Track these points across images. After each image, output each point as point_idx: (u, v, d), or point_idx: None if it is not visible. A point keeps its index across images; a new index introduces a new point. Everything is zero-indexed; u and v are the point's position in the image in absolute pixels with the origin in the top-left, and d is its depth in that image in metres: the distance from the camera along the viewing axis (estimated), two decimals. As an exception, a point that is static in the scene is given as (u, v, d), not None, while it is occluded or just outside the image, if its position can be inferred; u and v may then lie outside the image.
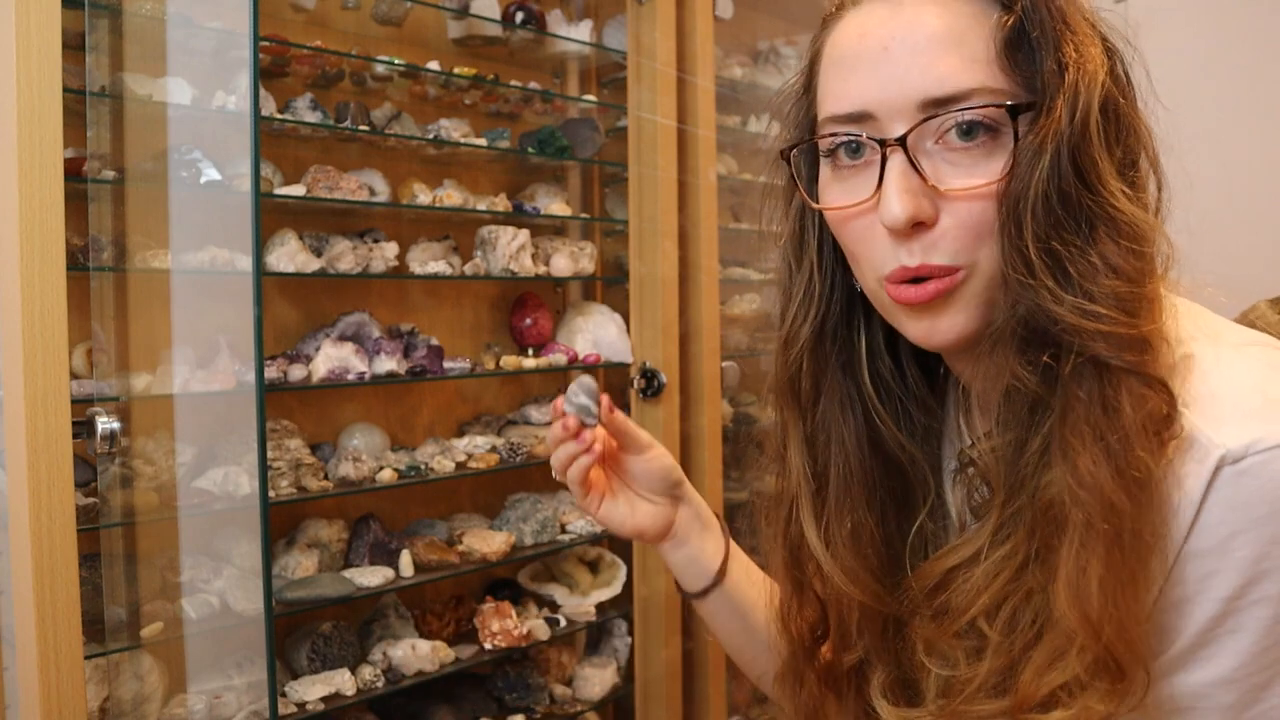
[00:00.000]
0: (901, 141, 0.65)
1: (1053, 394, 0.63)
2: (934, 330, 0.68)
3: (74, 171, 1.32)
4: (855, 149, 0.68)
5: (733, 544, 0.98)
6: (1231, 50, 1.89)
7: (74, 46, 1.33)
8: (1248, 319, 1.42)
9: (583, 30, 1.95)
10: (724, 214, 2.24)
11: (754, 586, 0.96)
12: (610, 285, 2.13)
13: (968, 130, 0.64)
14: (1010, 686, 0.62)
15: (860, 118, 0.67)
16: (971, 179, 0.64)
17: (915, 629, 0.72)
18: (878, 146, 0.66)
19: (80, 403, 1.31)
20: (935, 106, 0.64)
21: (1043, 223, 0.62)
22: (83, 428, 1.29)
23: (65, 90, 1.22)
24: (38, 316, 1.20)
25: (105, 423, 1.31)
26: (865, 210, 0.68)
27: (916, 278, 0.66)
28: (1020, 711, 0.61)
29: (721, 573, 0.94)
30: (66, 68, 1.24)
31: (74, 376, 1.32)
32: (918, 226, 0.65)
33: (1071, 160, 0.62)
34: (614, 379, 2.17)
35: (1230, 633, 0.59)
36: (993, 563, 0.65)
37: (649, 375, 1.95)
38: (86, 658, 1.26)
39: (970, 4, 0.66)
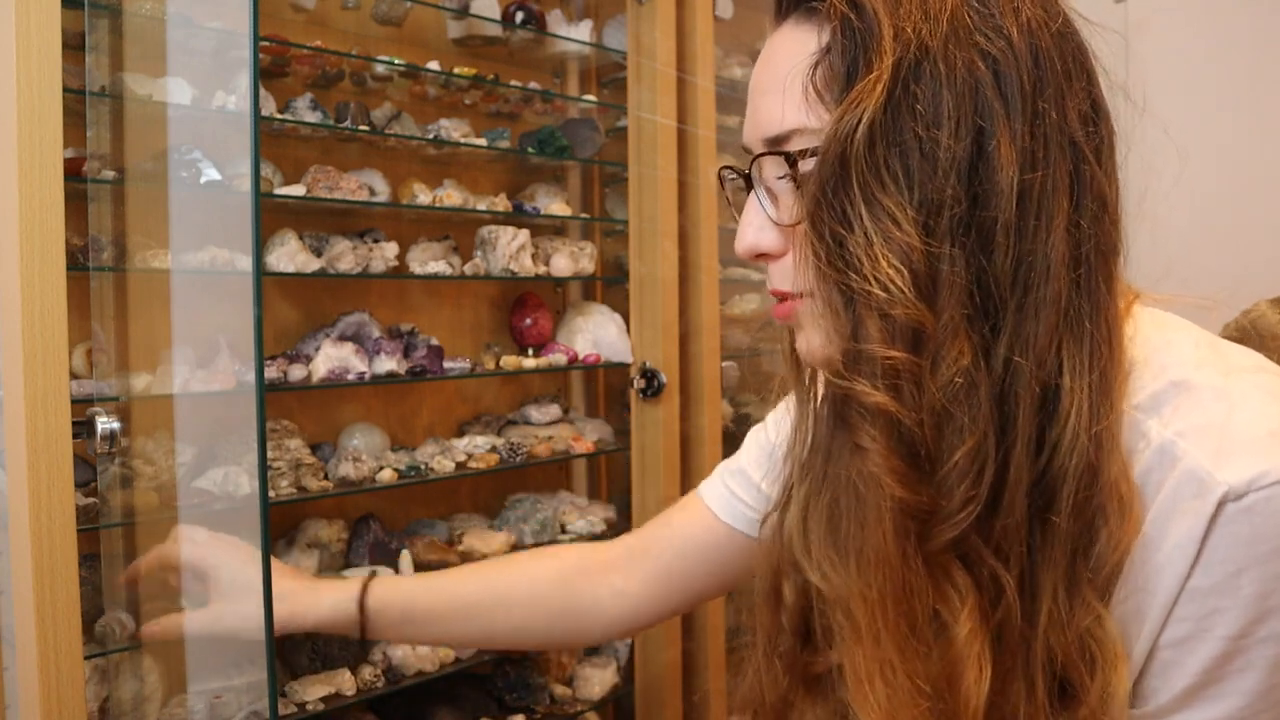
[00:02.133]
0: (747, 178, 0.68)
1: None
2: (802, 347, 0.70)
3: (74, 171, 1.32)
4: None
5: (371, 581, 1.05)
6: (1231, 49, 1.90)
7: (74, 46, 1.33)
8: (1248, 318, 1.42)
9: (583, 30, 1.95)
10: (724, 214, 2.24)
11: (427, 590, 1.01)
12: (610, 285, 2.13)
13: (798, 171, 0.65)
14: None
15: (747, 150, 0.71)
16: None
17: None
18: (743, 181, 0.70)
19: (80, 403, 1.30)
20: (773, 145, 0.66)
21: (824, 260, 0.62)
22: (83, 428, 1.29)
23: (65, 90, 1.22)
24: (38, 316, 1.20)
25: (105, 423, 1.30)
26: None
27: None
28: None
29: (362, 606, 1.02)
30: (66, 68, 1.24)
31: (74, 376, 1.32)
32: (764, 256, 0.69)
33: (826, 201, 0.62)
34: (614, 379, 2.17)
35: (1238, 671, 0.59)
36: None
37: (649, 375, 1.95)
38: (86, 658, 1.26)
39: (804, 39, 0.65)
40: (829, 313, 0.63)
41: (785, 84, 0.64)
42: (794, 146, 0.64)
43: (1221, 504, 0.57)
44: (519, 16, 1.86)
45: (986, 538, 0.61)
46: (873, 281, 0.59)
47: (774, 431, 0.96)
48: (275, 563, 1.02)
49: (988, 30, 0.59)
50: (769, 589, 0.81)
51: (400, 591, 1.07)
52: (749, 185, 0.71)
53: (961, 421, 0.59)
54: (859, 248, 0.59)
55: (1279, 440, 0.58)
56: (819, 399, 0.78)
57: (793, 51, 0.65)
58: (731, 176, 0.73)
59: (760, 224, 0.69)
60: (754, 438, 1.03)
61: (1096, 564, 0.60)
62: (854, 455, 0.62)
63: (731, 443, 2.36)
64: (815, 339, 0.68)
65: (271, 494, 1.46)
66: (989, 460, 0.59)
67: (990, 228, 0.58)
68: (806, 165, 0.64)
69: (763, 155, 0.67)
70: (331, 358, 1.58)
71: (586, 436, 1.97)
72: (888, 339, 0.59)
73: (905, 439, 0.60)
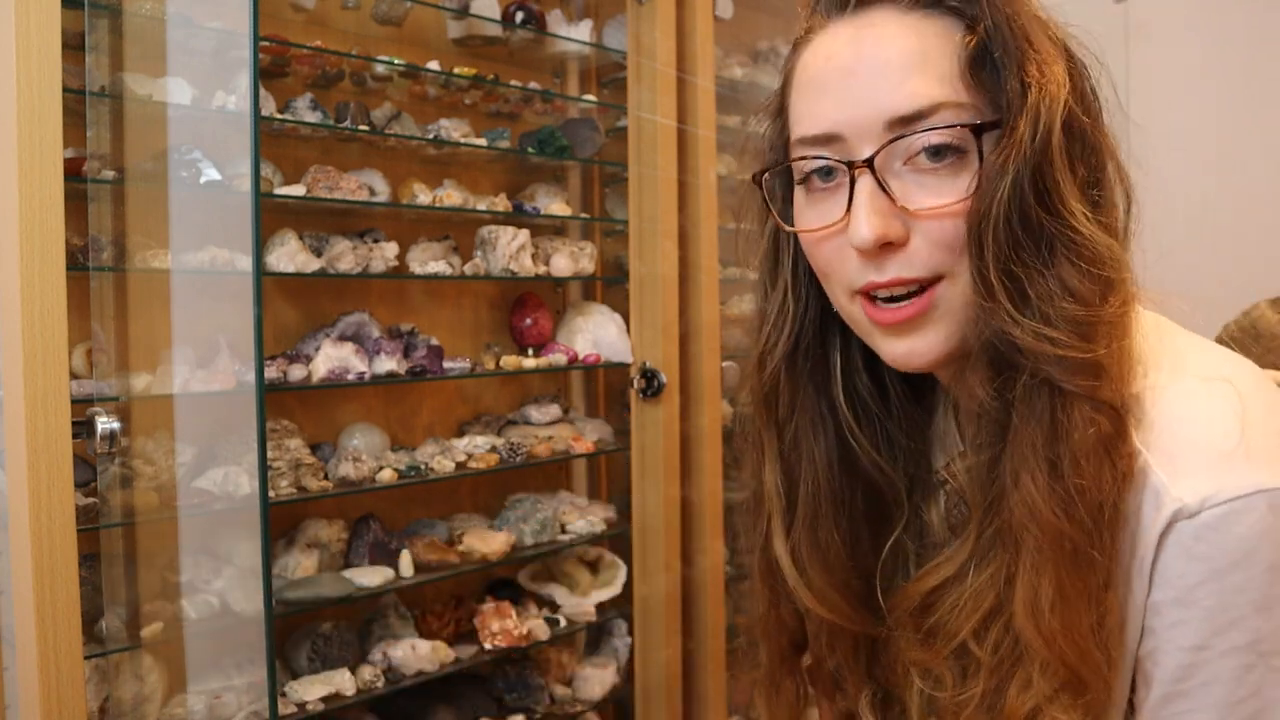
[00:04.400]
0: (869, 163, 0.65)
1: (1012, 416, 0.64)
2: (913, 353, 0.68)
3: (74, 171, 1.32)
4: (827, 172, 0.69)
5: None
6: (1231, 50, 1.90)
7: (74, 46, 1.33)
8: (1249, 318, 1.42)
9: (583, 30, 1.95)
10: (724, 214, 2.24)
11: None
12: (610, 285, 2.13)
13: (936, 151, 0.65)
14: (999, 705, 0.63)
15: (829, 139, 0.68)
16: (939, 198, 0.65)
17: (900, 649, 0.72)
18: (846, 169, 0.67)
19: (80, 403, 1.30)
20: (902, 125, 0.65)
21: (1004, 244, 0.62)
22: (83, 428, 1.29)
23: (65, 90, 1.22)
24: (38, 316, 1.20)
25: (105, 423, 1.31)
26: (837, 231, 0.68)
27: (892, 297, 0.67)
28: None
29: None
30: (66, 68, 1.24)
31: (74, 376, 1.32)
32: (887, 246, 0.66)
33: (1032, 182, 0.62)
34: (614, 379, 2.17)
35: (1204, 685, 0.59)
36: (978, 584, 0.65)
37: (649, 375, 1.95)
38: (86, 658, 1.26)
39: (934, 24, 0.66)
40: (987, 289, 0.63)
41: (916, 63, 0.65)
42: (939, 120, 0.64)
43: (1173, 520, 0.58)
44: (519, 16, 1.86)
45: None
46: (1092, 243, 0.63)
47: None
48: None
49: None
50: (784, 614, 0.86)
51: None
52: (852, 175, 0.67)
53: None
54: (1068, 219, 0.63)
55: (1234, 459, 0.58)
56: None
57: (923, 33, 0.66)
58: (826, 168, 0.68)
59: (886, 210, 0.65)
60: None
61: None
62: (1063, 410, 0.62)
63: (731, 443, 2.36)
64: (936, 339, 0.67)
65: (271, 494, 1.46)
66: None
67: (1111, 194, 0.67)
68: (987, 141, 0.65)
69: (926, 130, 0.64)
70: (331, 358, 1.58)
71: (586, 436, 1.97)
72: (1098, 298, 0.62)
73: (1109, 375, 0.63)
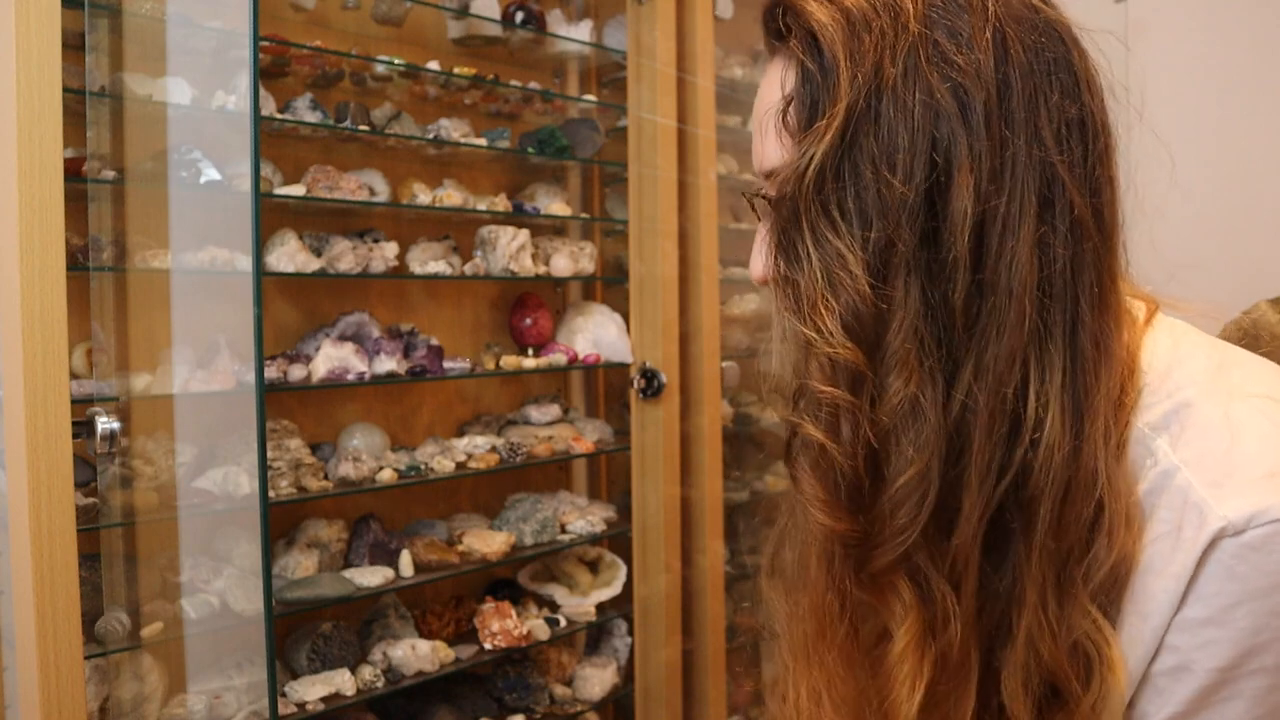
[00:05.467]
0: (754, 207, 0.67)
1: None
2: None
3: (74, 171, 1.32)
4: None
5: None
6: (1231, 49, 1.89)
7: (74, 46, 1.33)
8: (1249, 318, 1.42)
9: (583, 30, 1.95)
10: (724, 214, 2.24)
11: None
12: (610, 285, 2.13)
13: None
14: None
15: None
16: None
17: None
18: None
19: (80, 403, 1.31)
20: (765, 179, 0.66)
21: (779, 298, 0.64)
22: (83, 428, 1.29)
23: (65, 90, 1.22)
24: (38, 316, 1.20)
25: (105, 423, 1.31)
26: None
27: None
28: None
29: None
30: (66, 68, 1.24)
31: (74, 376, 1.32)
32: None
33: (782, 242, 0.63)
34: (614, 379, 2.17)
35: (1224, 700, 0.59)
36: None
37: (649, 375, 1.95)
38: (86, 658, 1.26)
39: (783, 78, 0.65)
40: (787, 348, 0.64)
41: (764, 122, 0.65)
42: (774, 184, 0.65)
43: (1217, 538, 0.56)
44: (519, 16, 1.86)
45: (938, 560, 0.61)
46: (807, 322, 0.60)
47: None
48: None
49: (952, 58, 0.59)
50: None
51: None
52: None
53: (906, 451, 0.59)
54: (804, 289, 0.61)
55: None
56: None
57: (772, 90, 0.65)
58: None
59: (763, 252, 0.68)
60: None
61: (1090, 571, 0.60)
62: (793, 484, 0.64)
63: (731, 443, 2.36)
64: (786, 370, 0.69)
65: (271, 494, 1.46)
66: (931, 487, 0.59)
67: (944, 260, 0.59)
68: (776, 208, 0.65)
69: (753, 194, 0.68)
70: (331, 358, 1.58)
71: (586, 436, 1.97)
72: (827, 378, 0.60)
73: (839, 472, 0.61)
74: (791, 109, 0.62)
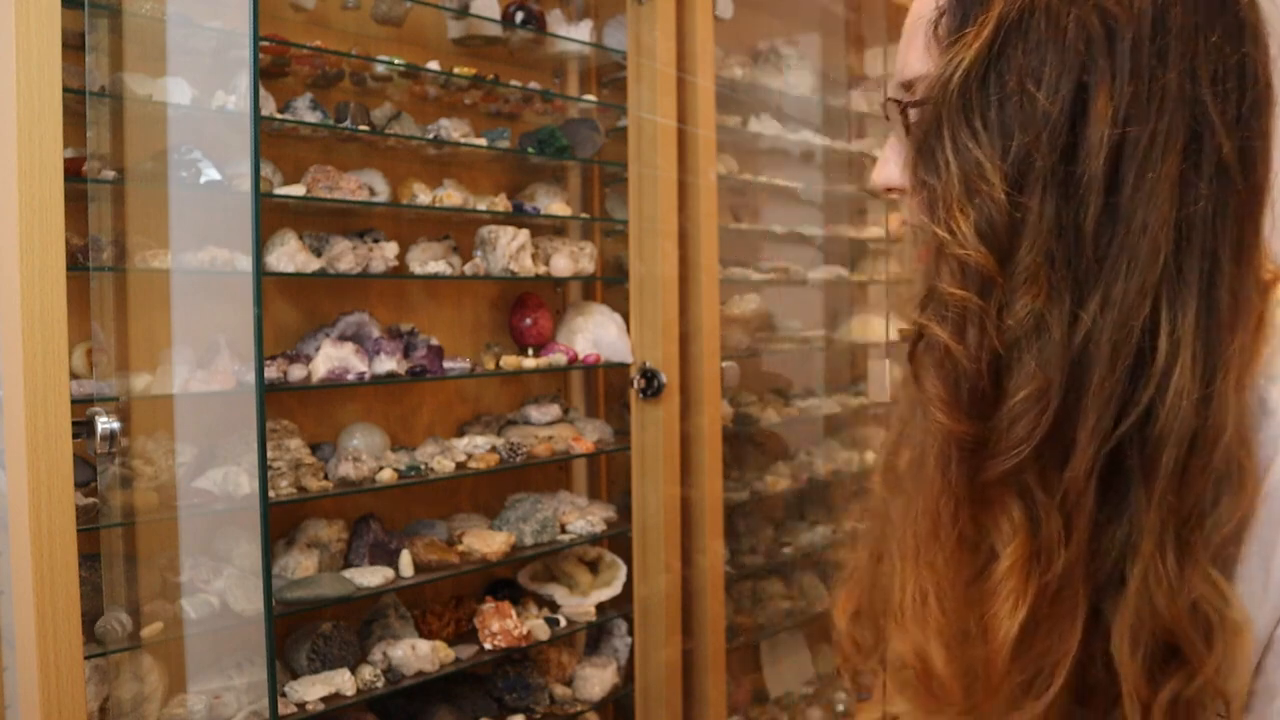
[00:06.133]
0: (887, 114, 0.69)
1: None
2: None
3: (74, 171, 1.32)
4: None
5: None
6: None
7: (74, 46, 1.33)
8: None
9: (583, 30, 1.95)
10: (724, 214, 2.24)
11: None
12: (610, 285, 2.13)
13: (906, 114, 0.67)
14: None
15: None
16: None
17: None
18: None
19: (80, 403, 1.31)
20: (902, 90, 0.68)
21: (916, 203, 0.65)
22: (83, 428, 1.29)
23: (65, 90, 1.22)
24: (38, 316, 1.20)
25: (105, 423, 1.31)
26: None
27: None
28: None
29: None
30: (66, 68, 1.24)
31: (74, 376, 1.32)
32: (896, 189, 0.69)
33: (923, 148, 0.63)
34: (614, 379, 2.17)
35: None
36: None
37: (649, 375, 1.95)
38: (86, 658, 1.26)
39: None
40: (920, 252, 0.65)
41: (912, 32, 0.67)
42: (916, 93, 0.66)
43: None
44: (519, 16, 1.86)
45: (1050, 487, 0.61)
46: (941, 224, 0.61)
47: None
48: None
49: None
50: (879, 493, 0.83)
51: None
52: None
53: (1029, 366, 0.60)
54: (940, 193, 0.62)
55: None
56: None
57: (925, 1, 0.67)
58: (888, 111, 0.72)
59: (893, 160, 0.70)
60: None
61: (1211, 528, 0.59)
62: (915, 384, 0.64)
63: (731, 443, 2.36)
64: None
65: (271, 494, 1.46)
66: (1050, 406, 0.59)
67: (1080, 181, 0.59)
68: (914, 113, 0.66)
69: (890, 100, 0.69)
70: (331, 358, 1.58)
71: (586, 436, 1.97)
72: (957, 280, 0.61)
73: (962, 374, 0.61)
74: (946, 19, 0.63)
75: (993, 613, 0.60)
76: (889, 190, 0.69)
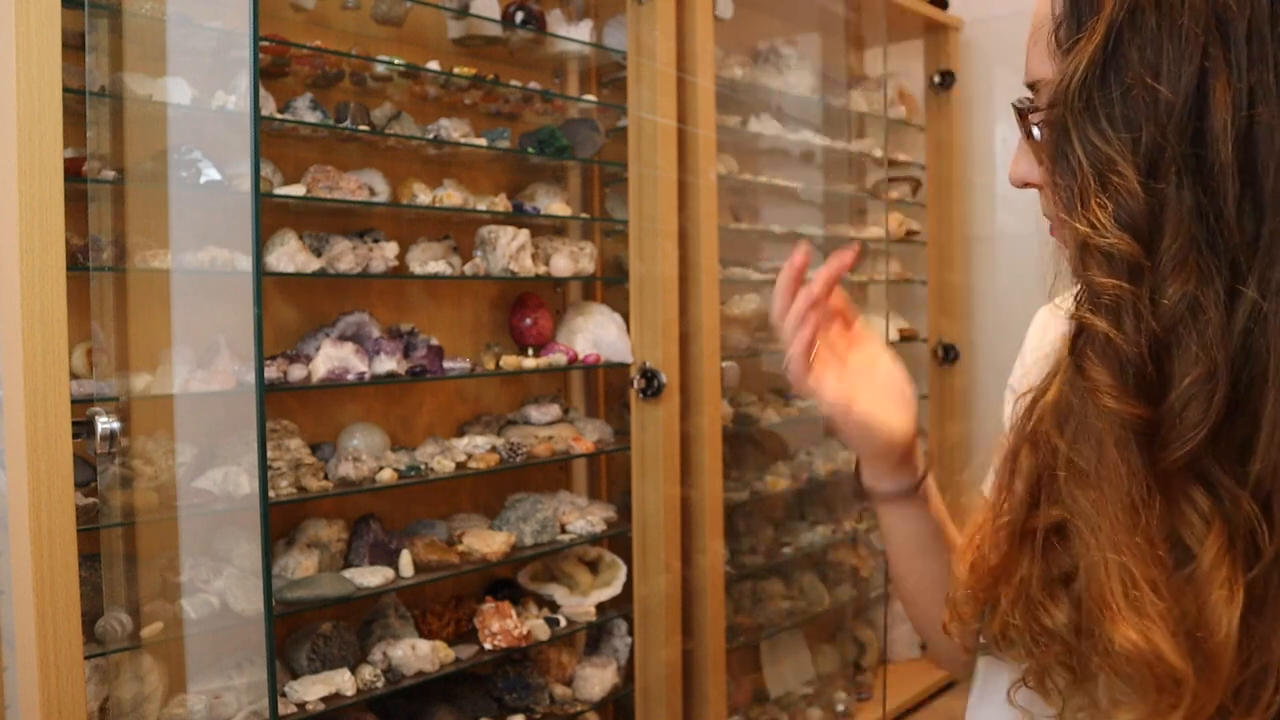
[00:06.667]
0: (1018, 113, 0.70)
1: None
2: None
3: (74, 171, 1.32)
4: None
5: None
6: None
7: (74, 46, 1.33)
8: None
9: (583, 30, 1.95)
10: (724, 214, 2.24)
11: (940, 509, 0.92)
12: (610, 285, 2.13)
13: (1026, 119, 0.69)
14: None
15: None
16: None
17: None
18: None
19: (80, 403, 1.30)
20: (1030, 90, 0.69)
21: (1055, 201, 0.65)
22: (83, 428, 1.29)
23: (65, 90, 1.22)
24: (38, 316, 1.20)
25: (105, 423, 1.31)
26: None
27: None
28: None
29: (923, 476, 0.89)
30: (66, 68, 1.24)
31: (74, 376, 1.32)
32: (1031, 185, 0.70)
33: (1053, 150, 0.64)
34: (614, 379, 2.17)
35: None
36: None
37: (649, 375, 1.95)
38: (86, 658, 1.26)
39: None
40: (1066, 248, 0.67)
41: (1035, 38, 0.69)
42: (1040, 96, 0.67)
43: None
44: (519, 16, 1.86)
45: (1238, 475, 0.62)
46: (1083, 220, 0.62)
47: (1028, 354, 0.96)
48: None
49: None
50: (1010, 453, 0.81)
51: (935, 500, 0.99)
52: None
53: (1191, 349, 0.61)
54: (1077, 191, 0.63)
55: None
56: None
57: (1045, 4, 0.68)
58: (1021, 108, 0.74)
59: (1024, 158, 0.71)
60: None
61: None
62: (1079, 376, 0.65)
63: (731, 443, 2.36)
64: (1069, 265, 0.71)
65: (271, 494, 1.46)
66: (1220, 387, 0.60)
67: (1213, 167, 0.61)
68: (1037, 116, 0.68)
69: (1015, 105, 0.70)
70: (331, 358, 1.58)
71: (586, 436, 1.97)
72: (1105, 270, 0.62)
73: (1124, 359, 0.62)
74: (1066, 23, 0.65)
75: (1210, 604, 0.60)
76: (1026, 185, 0.70)
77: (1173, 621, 0.61)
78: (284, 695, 1.48)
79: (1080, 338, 0.66)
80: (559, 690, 1.90)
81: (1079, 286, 0.65)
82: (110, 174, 1.40)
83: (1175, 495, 0.63)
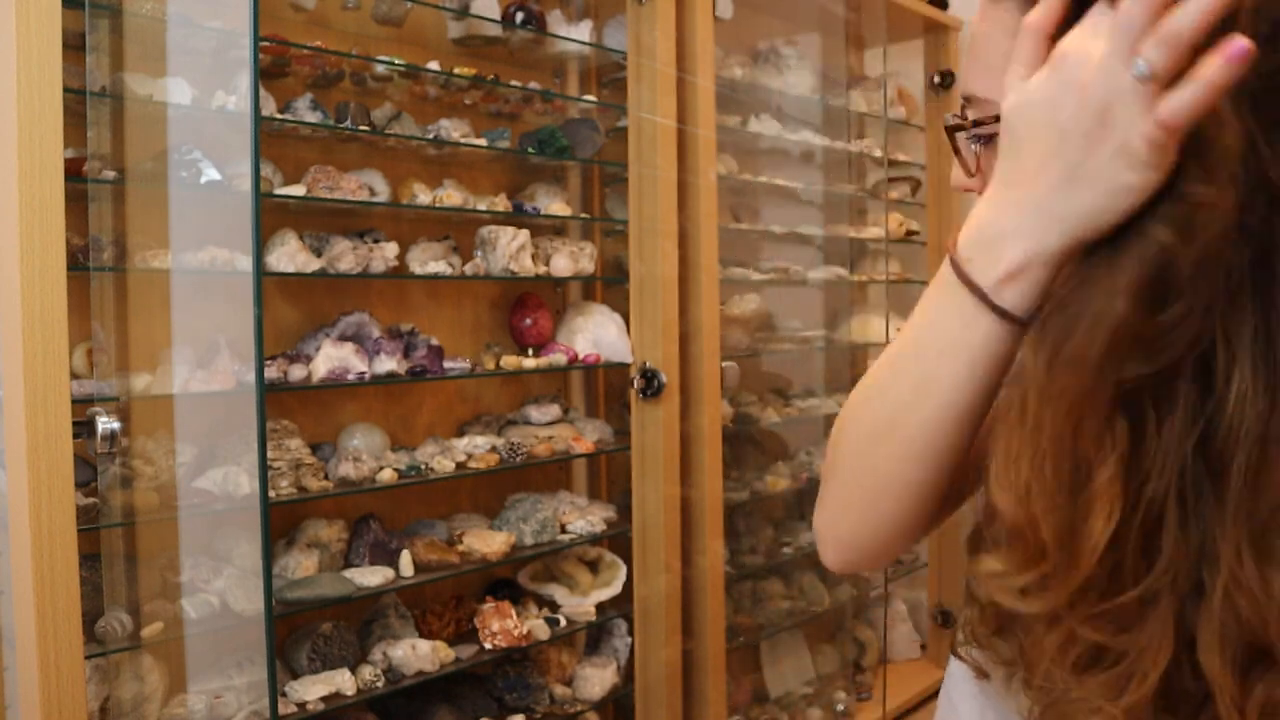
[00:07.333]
0: (949, 130, 0.71)
1: None
2: None
3: (74, 171, 1.32)
4: None
5: None
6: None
7: (74, 46, 1.33)
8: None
9: (583, 30, 1.95)
10: (724, 214, 2.24)
11: None
12: (610, 285, 2.13)
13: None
14: None
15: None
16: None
17: None
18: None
19: (80, 403, 1.30)
20: (966, 104, 0.70)
21: None
22: (83, 428, 1.29)
23: (65, 90, 1.22)
24: (38, 316, 1.20)
25: (105, 423, 1.31)
26: None
27: None
28: None
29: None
30: (66, 68, 1.24)
31: (74, 376, 1.32)
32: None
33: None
34: (614, 379, 2.17)
35: None
36: None
37: (649, 375, 1.95)
38: (87, 658, 1.26)
39: (1000, 7, 0.67)
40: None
41: (973, 53, 0.70)
42: (973, 109, 0.71)
43: None
44: (519, 16, 1.86)
45: (1162, 417, 0.60)
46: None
47: None
48: None
49: None
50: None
51: None
52: None
53: (1208, 289, 0.58)
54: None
55: None
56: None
57: (989, 17, 0.69)
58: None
59: (962, 169, 0.74)
60: None
61: None
62: (1109, 270, 0.61)
63: (731, 443, 2.36)
64: None
65: (271, 494, 1.46)
66: (1207, 326, 0.58)
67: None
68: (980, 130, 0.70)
69: (948, 124, 0.73)
70: (331, 358, 1.58)
71: (586, 436, 1.97)
72: (1203, 179, 0.57)
73: (1167, 267, 0.59)
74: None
75: (1091, 515, 0.60)
76: (967, 190, 0.72)
77: (1049, 498, 0.60)
78: (284, 695, 1.48)
79: (1131, 237, 0.65)
80: (559, 690, 1.90)
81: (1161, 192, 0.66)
82: (110, 174, 1.40)
83: (1107, 411, 0.61)
